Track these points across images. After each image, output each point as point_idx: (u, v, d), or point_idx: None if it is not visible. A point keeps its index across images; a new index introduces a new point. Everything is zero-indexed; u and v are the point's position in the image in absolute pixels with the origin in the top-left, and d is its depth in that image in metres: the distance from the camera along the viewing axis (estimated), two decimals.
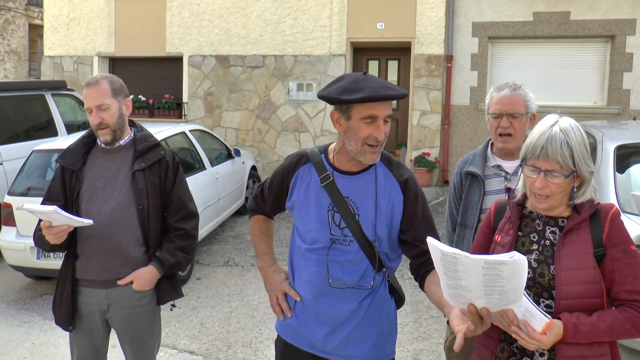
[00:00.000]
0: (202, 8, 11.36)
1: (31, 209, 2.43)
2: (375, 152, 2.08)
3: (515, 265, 1.56)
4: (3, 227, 5.94)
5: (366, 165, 2.17)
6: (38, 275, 6.38)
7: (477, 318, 1.69)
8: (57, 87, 8.97)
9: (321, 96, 2.07)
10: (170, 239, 2.77)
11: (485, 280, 1.60)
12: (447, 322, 2.97)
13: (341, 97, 2.00)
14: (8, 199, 6.00)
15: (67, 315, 2.71)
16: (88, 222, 2.51)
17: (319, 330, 2.22)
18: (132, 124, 2.86)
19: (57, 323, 2.76)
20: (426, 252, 2.09)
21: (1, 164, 7.43)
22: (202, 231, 6.71)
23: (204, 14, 11.36)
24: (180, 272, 2.94)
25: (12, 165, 7.25)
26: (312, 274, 2.20)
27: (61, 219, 2.43)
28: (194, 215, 2.85)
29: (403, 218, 2.17)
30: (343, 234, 2.16)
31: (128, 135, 2.78)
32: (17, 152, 7.45)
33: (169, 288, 2.81)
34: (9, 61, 19.71)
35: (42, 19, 13.26)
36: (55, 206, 2.42)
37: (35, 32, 19.66)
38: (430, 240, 1.69)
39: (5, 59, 19.66)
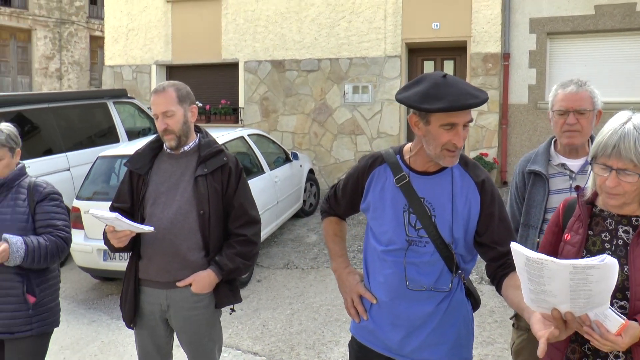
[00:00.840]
0: (257, 14, 11.51)
1: (95, 215, 2.51)
2: (454, 156, 2.07)
3: (606, 268, 1.53)
4: (72, 230, 6.16)
5: (442, 166, 2.15)
6: (104, 277, 6.62)
7: (561, 323, 1.67)
8: (118, 95, 9.28)
9: (399, 100, 2.06)
10: (230, 244, 2.80)
11: (572, 284, 1.57)
12: (513, 325, 2.94)
13: (421, 106, 1.98)
14: (76, 203, 6.25)
15: (130, 313, 2.81)
16: (149, 229, 2.59)
17: (396, 333, 2.21)
18: (198, 129, 2.92)
19: (122, 318, 2.87)
20: (503, 255, 2.09)
21: (69, 169, 7.73)
22: (262, 234, 6.76)
23: (258, 20, 11.51)
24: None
25: (78, 171, 7.54)
26: (389, 275, 2.20)
27: (123, 225, 2.52)
28: (255, 222, 2.87)
29: (480, 219, 2.15)
30: (419, 235, 2.15)
31: (193, 141, 2.84)
32: (82, 158, 7.75)
33: (227, 292, 2.84)
34: (72, 72, 20.44)
35: (102, 31, 13.72)
36: (117, 214, 2.51)
37: (96, 43, 20.32)
38: (514, 245, 1.66)
39: (69, 69, 20.39)
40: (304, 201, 8.94)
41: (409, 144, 2.26)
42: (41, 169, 7.24)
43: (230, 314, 2.99)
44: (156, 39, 12.53)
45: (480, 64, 10.04)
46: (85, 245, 6.03)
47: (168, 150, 2.84)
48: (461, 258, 2.19)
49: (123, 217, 2.51)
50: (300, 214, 8.89)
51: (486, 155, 9.97)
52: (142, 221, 2.75)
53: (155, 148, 2.89)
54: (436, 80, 2.00)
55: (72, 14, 20.42)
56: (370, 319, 2.29)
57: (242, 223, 2.83)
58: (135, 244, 2.77)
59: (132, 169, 2.86)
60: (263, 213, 6.74)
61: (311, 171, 9.47)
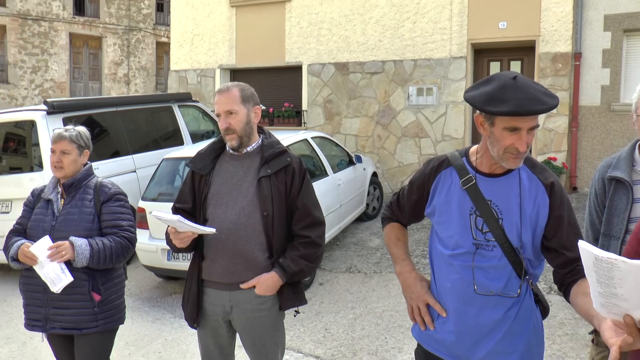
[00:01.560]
0: (321, 17, 11.51)
1: (158, 216, 2.50)
2: (517, 158, 1.99)
3: None
4: (138, 230, 6.29)
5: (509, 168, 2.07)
6: (168, 275, 6.73)
7: (635, 330, 1.51)
8: (183, 98, 9.44)
9: (466, 99, 2.01)
10: (294, 246, 2.74)
11: None
12: (592, 341, 2.74)
13: (485, 108, 1.93)
14: (142, 204, 6.38)
15: (193, 313, 2.79)
16: (211, 230, 2.56)
17: (464, 340, 2.13)
18: (261, 130, 2.88)
19: (185, 318, 2.85)
20: (572, 261, 1.99)
21: (135, 171, 7.91)
22: (325, 237, 6.72)
23: (322, 22, 11.50)
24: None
25: (144, 172, 7.71)
26: (456, 281, 2.12)
27: (185, 227, 2.50)
28: (319, 223, 2.80)
29: (548, 223, 2.05)
30: (486, 239, 2.07)
31: (256, 142, 2.80)
32: (148, 160, 7.91)
33: (291, 295, 2.79)
34: (138, 77, 21.08)
35: (168, 37, 14.06)
36: (179, 216, 2.49)
37: (162, 49, 20.90)
38: (582, 243, 1.53)
39: (136, 74, 21.04)
40: (367, 204, 8.83)
41: (476, 146, 2.20)
42: (109, 171, 7.44)
43: (295, 316, 2.94)
44: (220, 44, 12.71)
45: (549, 64, 9.68)
46: (150, 245, 6.13)
47: (230, 151, 2.81)
48: (529, 263, 2.10)
49: (185, 220, 2.50)
50: (363, 218, 8.79)
51: (555, 159, 9.59)
52: (204, 222, 2.74)
53: (218, 149, 2.87)
54: (505, 82, 1.93)
55: (140, 21, 21.07)
56: (437, 327, 2.21)
57: (306, 224, 2.77)
58: (197, 245, 2.76)
59: (194, 169, 2.84)
60: (326, 216, 6.68)
61: (374, 174, 9.35)
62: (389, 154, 10.97)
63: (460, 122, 10.30)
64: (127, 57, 20.86)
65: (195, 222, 2.69)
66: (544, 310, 2.23)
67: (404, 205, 2.40)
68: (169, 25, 13.93)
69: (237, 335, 2.91)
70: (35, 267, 2.84)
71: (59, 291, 2.80)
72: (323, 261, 7.08)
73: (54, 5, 19.67)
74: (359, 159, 8.54)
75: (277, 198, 2.70)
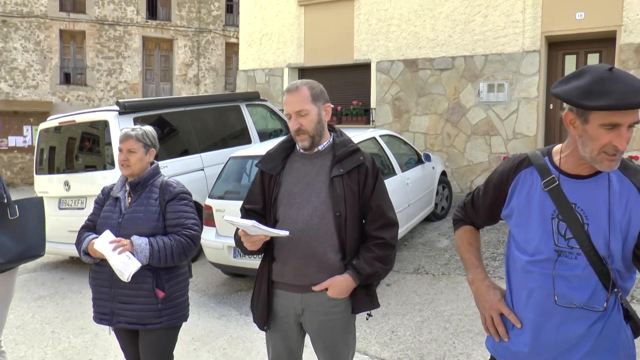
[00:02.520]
0: (390, 13, 11.32)
1: (230, 221, 2.46)
2: (613, 160, 1.79)
3: None
4: (204, 227, 6.36)
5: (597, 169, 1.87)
6: (234, 273, 6.76)
7: None
8: (251, 98, 9.50)
9: (556, 94, 1.82)
10: (368, 247, 2.63)
11: None
12: None
13: (582, 103, 1.73)
14: (209, 202, 6.44)
15: (263, 316, 2.72)
16: (284, 233, 2.49)
17: (541, 355, 1.96)
18: (331, 129, 2.79)
19: (254, 321, 2.79)
20: None
21: (202, 169, 8.01)
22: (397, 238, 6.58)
23: (391, 19, 11.32)
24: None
25: (211, 171, 7.79)
26: (534, 289, 1.96)
27: (258, 230, 2.45)
28: (393, 224, 2.68)
29: None
30: (569, 246, 1.89)
31: (327, 141, 2.71)
32: (215, 159, 7.99)
33: (364, 298, 2.67)
34: (208, 77, 21.49)
35: (237, 38, 14.25)
36: (254, 221, 2.43)
37: (231, 49, 21.21)
38: None
39: (206, 75, 21.46)
40: (436, 204, 8.62)
41: (560, 145, 2.01)
42: (177, 169, 7.57)
43: (367, 319, 2.83)
44: (289, 42, 12.74)
45: (632, 55, 9.12)
46: (217, 242, 6.17)
47: (301, 151, 2.73)
48: (618, 274, 1.90)
49: (260, 225, 2.44)
50: (431, 218, 8.58)
51: (637, 158, 9.03)
52: (274, 223, 2.67)
53: (287, 148, 2.79)
54: (601, 74, 1.74)
55: (210, 22, 21.47)
56: (513, 338, 2.05)
57: (380, 225, 2.65)
58: (268, 246, 2.69)
59: (263, 169, 2.77)
60: None
61: (444, 173, 9.11)
62: (458, 153, 10.68)
63: (532, 119, 9.89)
64: (197, 58, 21.30)
65: (266, 224, 2.64)
66: (636, 328, 2.01)
67: (479, 206, 2.26)
68: (238, 26, 14.13)
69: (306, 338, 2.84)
70: (107, 259, 2.90)
71: (129, 279, 2.84)
72: None
73: (128, 11, 20.34)
74: (428, 158, 8.33)
75: (350, 198, 2.60)
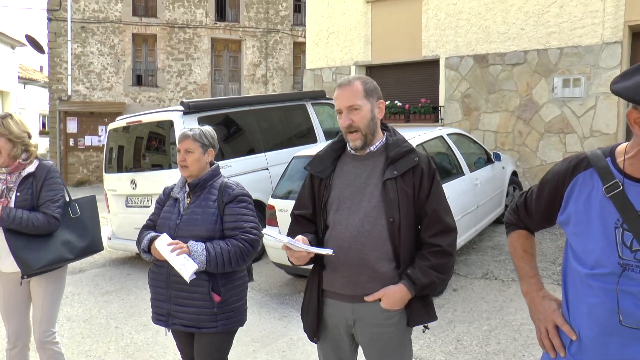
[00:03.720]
0: (459, 7, 10.96)
1: (268, 234, 2.40)
2: None
3: None
4: (267, 227, 6.29)
5: None
6: (297, 274, 6.67)
7: None
8: (317, 96, 9.40)
9: (616, 91, 1.62)
10: (423, 255, 2.44)
11: None
12: None
13: None
14: (272, 202, 6.38)
15: (312, 325, 2.59)
16: (327, 251, 2.36)
17: None
18: (384, 127, 2.61)
19: (304, 330, 2.66)
20: None
21: (267, 168, 7.97)
22: (460, 240, 6.33)
23: (460, 13, 10.96)
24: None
25: (276, 170, 7.74)
26: (595, 306, 1.74)
27: (298, 247, 2.33)
28: (451, 230, 2.48)
29: None
30: (635, 259, 1.67)
31: (379, 140, 2.53)
32: (280, 158, 7.94)
33: (420, 310, 2.48)
34: (276, 77, 21.61)
35: (304, 37, 14.20)
36: (290, 239, 2.34)
37: (299, 49, 21.24)
38: None
39: (274, 75, 21.58)
40: (506, 206, 8.24)
41: (624, 144, 1.78)
42: (242, 168, 7.57)
43: (424, 331, 2.62)
44: (356, 40, 12.58)
45: None
46: (280, 243, 6.08)
47: (352, 151, 2.56)
48: None
49: (296, 242, 2.33)
50: (501, 220, 8.21)
51: None
52: (324, 229, 2.53)
53: (338, 149, 2.63)
54: None
55: (278, 23, 21.58)
56: (570, 357, 1.84)
57: (436, 231, 2.45)
58: (318, 254, 2.53)
59: (313, 172, 2.62)
60: (461, 218, 6.29)
61: (514, 173, 8.72)
62: (530, 152, 10.20)
63: (612, 115, 9.30)
64: (265, 58, 21.46)
65: (317, 230, 2.55)
66: None
67: (532, 210, 2.06)
68: (305, 25, 14.09)
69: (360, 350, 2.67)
70: (167, 260, 2.89)
71: (190, 279, 2.79)
72: (458, 266, 6.67)
73: (197, 13, 20.71)
74: (498, 157, 7.98)
75: (405, 202, 2.41)
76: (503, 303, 5.50)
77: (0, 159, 3.33)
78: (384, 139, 2.54)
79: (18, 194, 3.33)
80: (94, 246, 3.59)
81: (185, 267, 2.79)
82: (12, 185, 3.35)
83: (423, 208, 2.45)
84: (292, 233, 2.61)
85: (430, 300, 2.54)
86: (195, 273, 2.82)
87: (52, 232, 3.36)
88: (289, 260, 2.49)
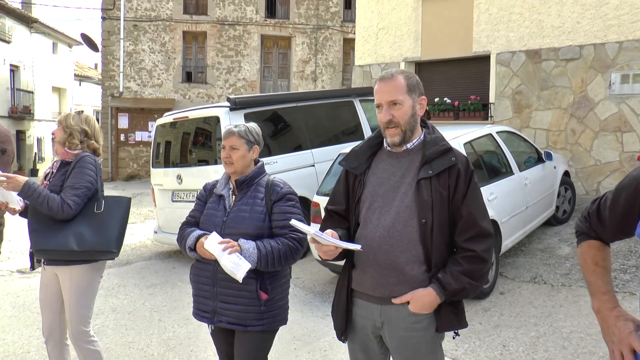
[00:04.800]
0: (512, 1, 10.65)
1: (295, 225, 2.34)
2: None
3: None
4: (312, 224, 6.24)
5: None
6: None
7: None
8: (365, 93, 9.28)
9: None
10: (456, 260, 2.33)
11: None
12: None
13: None
14: (317, 199, 6.33)
15: (341, 325, 2.53)
16: (356, 247, 2.28)
17: None
18: (423, 124, 2.51)
19: (334, 328, 2.61)
20: None
21: (313, 165, 7.92)
22: (508, 242, 6.13)
23: (513, 7, 10.64)
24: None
25: (322, 167, 7.67)
26: None
27: (325, 240, 2.26)
28: (487, 235, 2.36)
29: None
30: None
31: (417, 138, 2.44)
32: (327, 155, 7.87)
33: (450, 316, 2.37)
34: (325, 73, 21.55)
35: (354, 33, 14.11)
36: (316, 230, 2.26)
37: (349, 45, 21.12)
38: None
39: (323, 71, 21.54)
40: (557, 207, 7.95)
41: None
42: (288, 165, 7.54)
43: (454, 338, 2.50)
44: (405, 36, 12.41)
45: None
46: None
47: (388, 148, 2.48)
48: None
49: (323, 234, 2.25)
50: (551, 222, 7.93)
51: None
52: (356, 226, 2.46)
53: (374, 145, 2.55)
54: None
55: (328, 19, 21.53)
56: None
57: (471, 236, 2.33)
58: (348, 252, 2.46)
59: (347, 168, 2.55)
60: (509, 219, 6.08)
61: (566, 173, 8.40)
62: (584, 151, 9.84)
63: None
64: (314, 54, 21.44)
65: (349, 227, 2.48)
66: None
67: (606, 218, 1.89)
68: (355, 21, 14.01)
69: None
70: (218, 260, 2.85)
71: (242, 279, 2.76)
72: (505, 268, 6.46)
73: (248, 10, 20.86)
74: (549, 156, 7.70)
75: (438, 204, 2.31)
76: (552, 309, 5.29)
77: (55, 145, 3.54)
78: (422, 136, 2.45)
79: (52, 179, 3.45)
80: (105, 246, 3.38)
81: (239, 266, 2.75)
82: (55, 170, 3.49)
83: (458, 211, 2.34)
84: (324, 228, 2.53)
85: (462, 306, 2.43)
86: (247, 272, 2.78)
87: (66, 219, 3.32)
88: (319, 254, 2.43)
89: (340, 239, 2.37)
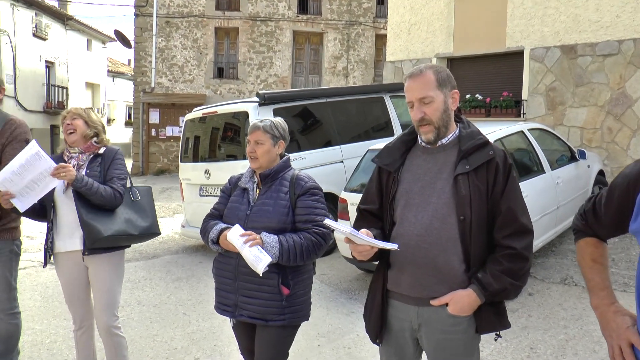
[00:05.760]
0: None
1: (330, 225, 2.30)
2: None
3: None
4: (339, 220, 6.19)
5: None
6: (367, 269, 6.53)
7: None
8: (395, 89, 9.19)
9: None
10: (496, 259, 2.25)
11: None
12: None
13: None
14: (344, 195, 6.29)
15: (376, 327, 2.46)
16: (392, 246, 2.21)
17: None
18: (458, 119, 2.43)
19: (366, 331, 2.54)
20: None
21: (342, 161, 7.86)
22: (538, 242, 5.99)
23: (549, 1, 10.39)
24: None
25: (351, 163, 7.62)
26: None
27: (361, 240, 2.20)
28: (527, 232, 2.28)
29: None
30: None
31: (452, 133, 2.37)
32: (356, 151, 7.81)
33: (491, 317, 2.29)
34: (357, 69, 21.46)
35: (386, 29, 13.99)
36: (352, 230, 2.20)
37: (381, 41, 20.98)
38: None
39: (354, 67, 21.44)
40: None
41: None
42: (316, 160, 7.52)
43: (496, 339, 2.42)
44: (437, 32, 12.26)
45: None
46: (342, 235, 5.96)
47: (423, 144, 2.41)
48: None
49: (359, 234, 2.19)
50: None
51: None
52: (392, 225, 2.40)
53: (408, 142, 2.48)
54: None
55: (360, 15, 21.41)
56: None
57: (511, 232, 2.25)
58: (383, 252, 2.39)
59: (381, 165, 2.49)
60: (540, 218, 5.96)
61: (601, 173, 8.18)
62: (620, 150, 9.57)
63: None
64: (346, 50, 21.35)
65: (383, 227, 2.42)
66: None
67: (601, 216, 1.89)
68: (387, 17, 13.90)
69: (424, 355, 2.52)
70: (240, 252, 2.84)
71: (262, 272, 2.75)
72: (535, 269, 6.33)
73: (280, 6, 20.88)
74: (583, 155, 7.51)
75: (477, 199, 2.24)
76: (582, 311, 5.15)
77: (74, 137, 3.53)
78: (457, 131, 2.38)
79: (88, 170, 3.49)
80: (154, 228, 3.68)
81: (259, 259, 2.73)
82: (82, 163, 3.53)
83: (497, 206, 2.26)
84: (357, 228, 2.47)
85: (503, 307, 2.36)
86: (267, 265, 2.76)
87: (116, 206, 3.49)
88: (351, 254, 2.37)
89: (375, 238, 2.31)
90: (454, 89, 2.36)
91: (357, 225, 2.50)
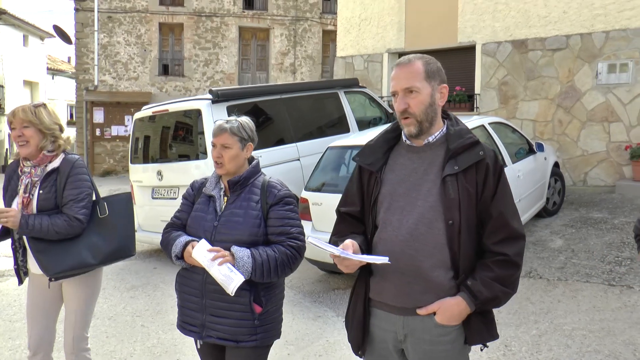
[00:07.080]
0: None
1: (316, 244, 2.11)
2: None
3: None
4: (310, 237, 6.02)
5: None
6: (331, 270, 6.40)
7: None
8: (350, 85, 9.10)
9: None
10: (486, 265, 2.12)
11: None
12: None
13: None
14: (305, 194, 6.13)
15: (357, 338, 2.30)
16: (383, 260, 2.04)
17: None
18: (446, 116, 2.28)
19: (348, 341, 2.37)
20: None
21: (298, 159, 7.69)
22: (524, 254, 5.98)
23: None
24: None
25: (308, 161, 7.49)
26: None
27: (349, 256, 2.05)
28: (518, 237, 2.15)
29: None
30: None
31: (439, 131, 2.21)
32: (312, 148, 7.67)
33: (480, 327, 2.16)
34: (305, 65, 21.28)
35: (334, 25, 13.93)
36: (340, 250, 2.05)
37: (328, 37, 20.91)
38: None
39: (302, 63, 21.26)
40: (547, 199, 7.83)
41: None
42: (273, 159, 7.31)
43: (482, 350, 2.29)
44: (389, 27, 12.21)
45: None
46: (313, 238, 5.80)
47: (407, 142, 2.25)
48: None
49: (346, 253, 2.04)
50: (542, 214, 7.84)
51: None
52: (374, 229, 2.24)
53: (391, 139, 2.32)
54: None
55: (307, 10, 21.23)
56: None
57: (501, 238, 2.12)
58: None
59: (362, 164, 2.32)
60: None
61: (556, 164, 8.30)
62: (571, 142, 9.76)
63: None
64: (293, 47, 21.14)
65: (365, 230, 2.27)
66: None
67: None
68: (335, 13, 13.81)
69: None
70: (207, 270, 2.57)
71: (234, 292, 2.48)
72: None
73: (225, 2, 20.46)
74: (541, 147, 7.58)
75: (466, 203, 2.10)
76: (550, 304, 5.14)
77: (27, 150, 3.10)
78: (445, 128, 2.23)
79: (41, 191, 3.09)
80: (122, 251, 3.28)
81: (231, 279, 2.48)
82: (36, 179, 3.12)
83: (487, 210, 2.13)
84: (337, 232, 2.34)
85: (492, 316, 2.22)
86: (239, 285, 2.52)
87: (77, 234, 3.10)
88: (333, 262, 2.18)
89: (361, 247, 2.16)
90: (443, 83, 2.21)
91: (337, 229, 2.35)
